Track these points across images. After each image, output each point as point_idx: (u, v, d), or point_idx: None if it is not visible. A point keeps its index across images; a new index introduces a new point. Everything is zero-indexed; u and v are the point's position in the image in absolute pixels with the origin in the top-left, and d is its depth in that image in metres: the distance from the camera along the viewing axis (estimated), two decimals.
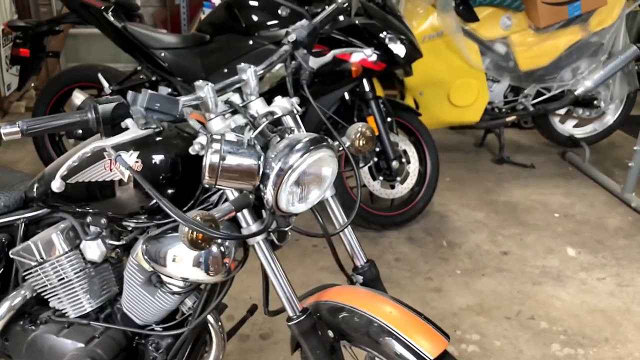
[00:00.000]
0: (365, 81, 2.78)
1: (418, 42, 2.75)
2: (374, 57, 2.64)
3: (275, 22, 2.62)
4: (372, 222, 2.90)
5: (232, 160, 0.98)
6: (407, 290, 2.45)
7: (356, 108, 2.82)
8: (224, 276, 1.18)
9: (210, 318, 1.29)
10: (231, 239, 1.15)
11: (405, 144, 2.98)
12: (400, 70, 3.14)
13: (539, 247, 2.83)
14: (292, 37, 1.23)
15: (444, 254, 2.76)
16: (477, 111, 3.51)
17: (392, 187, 2.98)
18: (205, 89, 1.04)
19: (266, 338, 2.10)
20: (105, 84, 1.36)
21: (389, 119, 2.82)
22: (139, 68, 2.84)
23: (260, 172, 1.00)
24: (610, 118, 3.90)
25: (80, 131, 2.12)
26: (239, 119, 1.10)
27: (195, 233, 0.92)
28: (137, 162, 1.10)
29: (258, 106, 1.15)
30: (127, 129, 0.96)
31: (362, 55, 1.48)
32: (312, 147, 1.01)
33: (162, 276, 1.24)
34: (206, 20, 2.81)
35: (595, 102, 3.74)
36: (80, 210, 1.25)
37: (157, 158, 1.12)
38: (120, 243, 1.28)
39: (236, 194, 1.09)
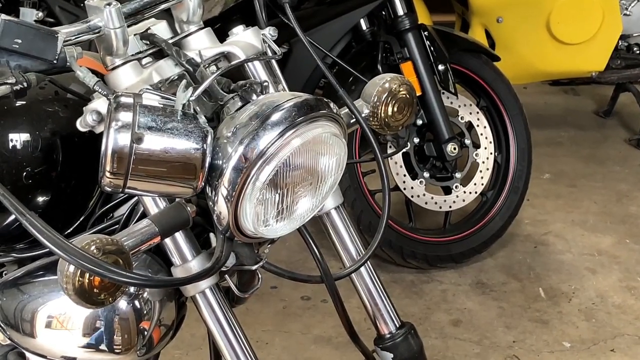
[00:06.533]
0: None
1: None
2: None
3: None
4: (411, 256, 2.91)
5: (154, 142, 0.97)
6: None
7: (381, 47, 2.83)
8: (142, 355, 1.18)
9: None
10: (154, 286, 1.15)
11: (470, 113, 2.99)
12: None
13: None
14: None
15: (541, 313, 2.76)
16: (600, 52, 3.51)
17: (447, 190, 2.99)
18: (105, 12, 1.04)
19: None
20: None
21: (440, 67, 2.83)
22: None
23: (207, 165, 1.01)
24: None
25: None
26: (167, 68, 1.10)
27: (87, 276, 0.92)
28: None
29: (202, 43, 1.15)
30: None
31: None
32: (300, 119, 1.01)
33: (28, 355, 1.24)
34: None
35: None
36: None
37: (17, 138, 1.13)
38: None
39: (162, 204, 1.09)
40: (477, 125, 2.99)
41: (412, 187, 2.91)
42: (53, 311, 1.16)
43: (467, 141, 2.96)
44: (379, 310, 1.30)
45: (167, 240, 1.11)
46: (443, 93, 2.85)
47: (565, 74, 3.64)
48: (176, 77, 1.10)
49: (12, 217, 1.14)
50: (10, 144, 1.13)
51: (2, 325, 1.21)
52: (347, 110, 1.19)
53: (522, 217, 3.23)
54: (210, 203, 1.02)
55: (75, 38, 1.03)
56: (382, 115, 1.21)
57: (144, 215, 1.12)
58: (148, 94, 1.02)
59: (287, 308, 2.75)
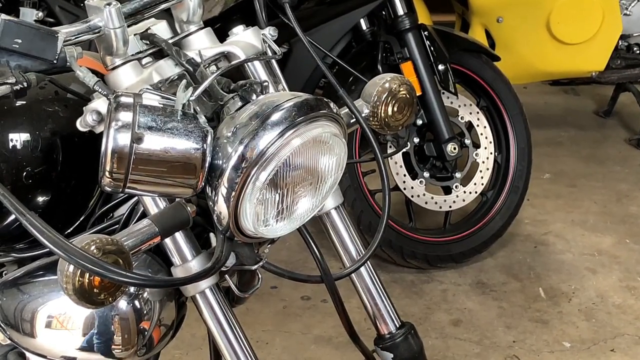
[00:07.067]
0: None
1: None
2: None
3: None
4: (411, 256, 2.91)
5: (154, 142, 0.97)
6: None
7: (381, 47, 2.84)
8: (142, 355, 1.18)
9: None
10: (154, 286, 1.15)
11: (470, 113, 2.99)
12: None
13: None
14: None
15: (541, 313, 2.76)
16: (600, 52, 3.52)
17: (447, 190, 2.99)
18: (105, 12, 1.04)
19: None
20: None
21: (440, 67, 2.83)
22: None
23: (207, 165, 1.01)
24: None
25: None
26: (167, 68, 1.10)
27: (87, 276, 0.92)
28: None
29: (202, 43, 1.15)
30: None
31: None
32: (300, 119, 1.01)
33: (28, 355, 1.24)
34: None
35: None
36: None
37: (17, 138, 1.13)
38: None
39: (162, 204, 1.10)
40: (477, 125, 2.99)
41: (412, 187, 2.91)
42: (53, 311, 1.16)
43: (467, 141, 2.96)
44: (379, 310, 1.30)
45: (167, 240, 1.11)
46: (443, 93, 2.85)
47: (565, 74, 3.65)
48: (176, 77, 1.10)
49: (12, 217, 1.15)
50: (10, 144, 1.13)
51: (2, 325, 1.21)
52: (347, 110, 1.19)
53: (522, 217, 3.23)
54: (210, 203, 1.02)
55: (75, 38, 1.03)
56: (382, 115, 1.21)
57: (144, 215, 1.12)
58: (148, 94, 1.02)
59: (287, 308, 2.75)
